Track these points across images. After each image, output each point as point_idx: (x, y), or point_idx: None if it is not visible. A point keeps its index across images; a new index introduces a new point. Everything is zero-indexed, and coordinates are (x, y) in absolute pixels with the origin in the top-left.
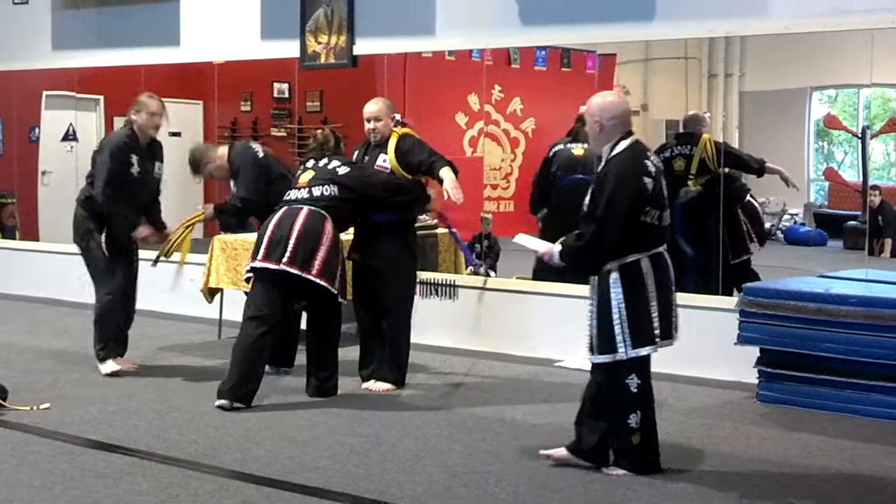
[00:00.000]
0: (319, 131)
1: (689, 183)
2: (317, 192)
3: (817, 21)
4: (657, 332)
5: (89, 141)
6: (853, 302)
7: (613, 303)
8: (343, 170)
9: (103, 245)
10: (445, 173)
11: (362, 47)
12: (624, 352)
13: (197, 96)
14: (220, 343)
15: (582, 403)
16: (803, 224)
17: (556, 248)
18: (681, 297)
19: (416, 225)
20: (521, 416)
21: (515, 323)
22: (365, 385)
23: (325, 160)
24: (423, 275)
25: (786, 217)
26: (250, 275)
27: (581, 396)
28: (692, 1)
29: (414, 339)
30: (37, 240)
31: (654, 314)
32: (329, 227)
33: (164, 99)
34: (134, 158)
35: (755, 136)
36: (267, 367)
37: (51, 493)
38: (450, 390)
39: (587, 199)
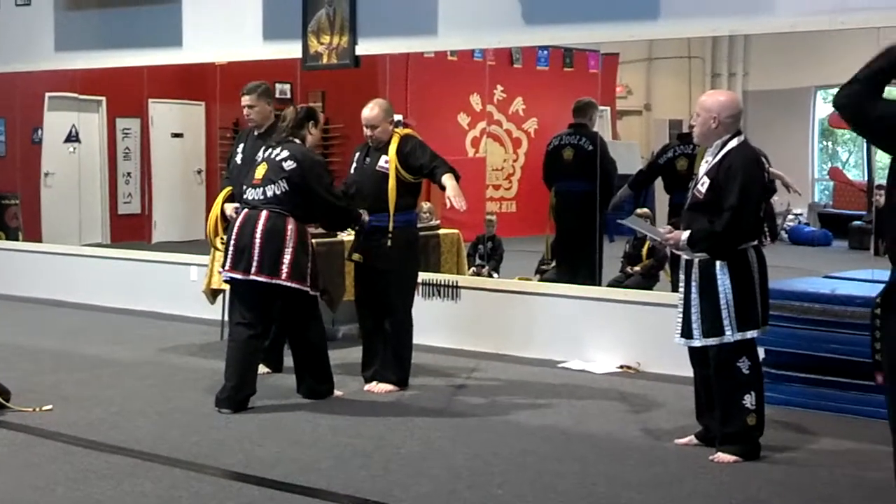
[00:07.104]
0: (289, 109)
1: (691, 183)
2: (270, 192)
3: (822, 19)
4: (760, 317)
5: (91, 142)
6: (858, 302)
7: (720, 288)
8: (289, 165)
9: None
10: (448, 180)
11: (364, 48)
12: (731, 334)
13: (199, 97)
14: (223, 344)
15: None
16: (808, 224)
17: (684, 234)
18: None
19: (419, 226)
20: (524, 418)
21: (518, 324)
22: (368, 386)
23: (278, 149)
24: (425, 276)
25: (790, 217)
26: (227, 279)
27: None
28: None
29: (416, 340)
30: (40, 241)
31: (758, 301)
32: (291, 226)
33: (165, 101)
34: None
35: (759, 135)
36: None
37: (53, 495)
38: (453, 391)
39: (700, 187)
